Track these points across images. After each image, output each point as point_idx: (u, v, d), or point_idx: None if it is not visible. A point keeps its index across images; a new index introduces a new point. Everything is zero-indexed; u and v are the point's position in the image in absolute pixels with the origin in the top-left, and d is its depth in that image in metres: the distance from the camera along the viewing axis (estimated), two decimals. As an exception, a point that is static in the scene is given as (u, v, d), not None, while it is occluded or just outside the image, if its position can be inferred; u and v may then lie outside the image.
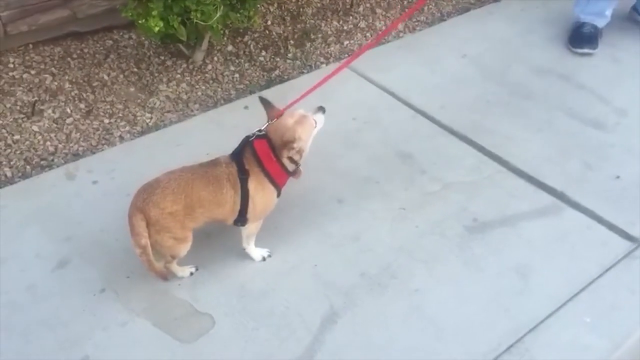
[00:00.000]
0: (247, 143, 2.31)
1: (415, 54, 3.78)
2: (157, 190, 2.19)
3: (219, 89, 3.52)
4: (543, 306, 2.34)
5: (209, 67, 3.65)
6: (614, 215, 2.69)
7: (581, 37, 3.82)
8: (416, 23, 4.19)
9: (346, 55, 3.81)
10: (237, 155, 2.30)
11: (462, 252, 2.54)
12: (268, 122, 2.33)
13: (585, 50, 3.80)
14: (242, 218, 2.32)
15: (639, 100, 3.37)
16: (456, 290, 2.41)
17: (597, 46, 3.80)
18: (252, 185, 2.27)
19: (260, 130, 2.32)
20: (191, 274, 2.42)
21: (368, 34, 4.05)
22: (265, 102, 2.37)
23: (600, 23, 3.84)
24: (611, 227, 2.65)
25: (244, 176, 2.26)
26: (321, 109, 2.38)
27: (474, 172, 2.93)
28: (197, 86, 3.52)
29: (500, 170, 2.93)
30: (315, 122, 2.34)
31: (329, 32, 4.05)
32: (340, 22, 4.14)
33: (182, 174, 2.25)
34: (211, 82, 3.57)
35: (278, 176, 2.32)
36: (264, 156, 2.28)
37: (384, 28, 4.10)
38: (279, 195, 2.37)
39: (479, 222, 2.67)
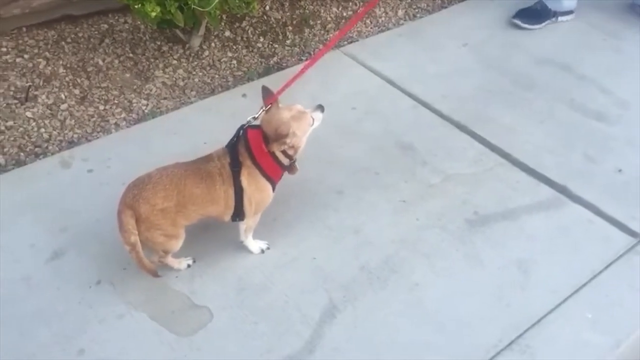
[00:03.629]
0: (241, 133, 2.25)
1: (415, 42, 3.73)
2: (148, 185, 2.14)
3: (217, 76, 3.46)
4: (544, 301, 2.32)
5: (206, 53, 3.59)
6: (616, 209, 2.66)
7: (524, 10, 3.90)
8: (416, 10, 4.14)
9: (345, 42, 3.75)
10: (233, 147, 2.24)
11: (463, 246, 2.51)
12: (263, 108, 2.25)
13: (515, 21, 3.87)
14: (238, 213, 2.27)
15: (641, 92, 3.35)
16: (457, 284, 2.38)
17: (534, 24, 3.86)
18: (244, 178, 2.22)
19: (254, 118, 2.26)
20: (188, 266, 2.38)
21: (367, 21, 3.99)
22: (265, 91, 2.28)
23: (553, 5, 3.87)
24: (613, 221, 2.62)
25: (236, 168, 2.20)
26: (320, 107, 2.31)
27: (475, 164, 2.89)
28: (194, 72, 3.46)
29: (502, 162, 2.90)
30: (313, 120, 2.27)
31: (328, 19, 3.99)
32: (340, 9, 4.08)
33: (174, 170, 2.19)
34: (208, 68, 3.51)
35: (271, 170, 2.26)
36: (256, 149, 2.21)
37: (383, 16, 4.04)
38: (273, 189, 2.31)
39: (480, 215, 2.64)
